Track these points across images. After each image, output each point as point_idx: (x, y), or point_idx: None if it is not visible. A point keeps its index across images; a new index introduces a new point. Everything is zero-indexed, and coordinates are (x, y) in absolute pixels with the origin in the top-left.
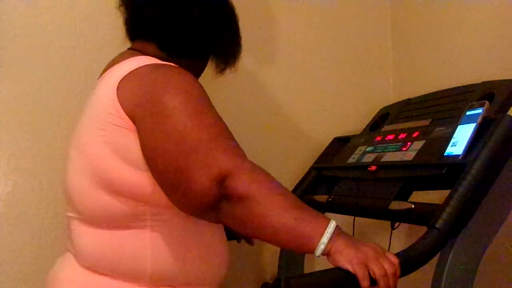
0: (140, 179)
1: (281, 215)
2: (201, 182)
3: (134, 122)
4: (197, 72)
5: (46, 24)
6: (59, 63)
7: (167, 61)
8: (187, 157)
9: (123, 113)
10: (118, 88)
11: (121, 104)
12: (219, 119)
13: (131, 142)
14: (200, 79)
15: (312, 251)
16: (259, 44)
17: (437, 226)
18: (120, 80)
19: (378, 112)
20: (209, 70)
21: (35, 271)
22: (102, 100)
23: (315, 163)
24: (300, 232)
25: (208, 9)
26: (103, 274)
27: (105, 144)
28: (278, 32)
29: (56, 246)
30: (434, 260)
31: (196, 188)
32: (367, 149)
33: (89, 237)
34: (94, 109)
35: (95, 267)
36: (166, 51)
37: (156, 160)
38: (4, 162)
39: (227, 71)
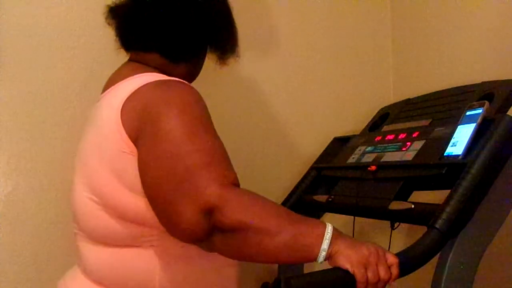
0: (141, 204)
1: (278, 236)
2: (187, 215)
3: (135, 144)
4: (197, 70)
5: (46, 24)
6: (59, 63)
7: (170, 68)
8: (174, 187)
9: (126, 137)
10: (122, 111)
11: (124, 128)
12: (214, 141)
13: (132, 167)
14: (200, 79)
15: (314, 260)
16: (259, 44)
17: (437, 226)
18: (124, 102)
19: (378, 112)
20: (209, 69)
21: (35, 271)
22: (107, 123)
23: (315, 163)
24: (300, 246)
25: (203, 7)
26: None
27: (107, 168)
28: (278, 31)
29: (56, 246)
30: (434, 260)
31: (183, 221)
32: (367, 149)
33: (96, 254)
34: (98, 131)
35: (103, 282)
36: (170, 58)
37: (148, 185)
38: (4, 162)
39: (229, 61)
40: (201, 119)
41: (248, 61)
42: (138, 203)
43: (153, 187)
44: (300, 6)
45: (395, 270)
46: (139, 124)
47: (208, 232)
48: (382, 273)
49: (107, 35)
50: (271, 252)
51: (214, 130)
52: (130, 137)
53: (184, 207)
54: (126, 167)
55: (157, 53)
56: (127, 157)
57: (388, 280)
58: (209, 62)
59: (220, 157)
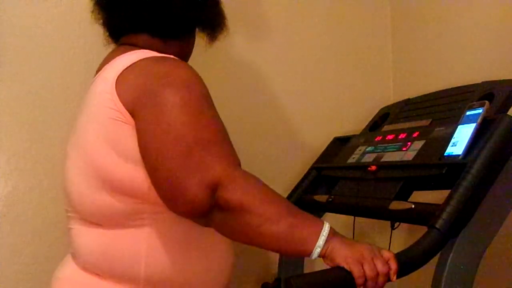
0: (137, 174)
1: (276, 223)
2: (192, 189)
3: (132, 115)
4: (187, 52)
5: (46, 24)
6: (59, 63)
7: (163, 48)
8: (181, 159)
9: (122, 106)
10: (117, 82)
11: (120, 98)
12: (218, 120)
13: (129, 136)
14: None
15: (309, 255)
16: (259, 43)
17: (437, 226)
18: (120, 74)
19: (378, 112)
20: (209, 70)
21: (35, 271)
22: (101, 95)
23: (315, 163)
24: (296, 238)
25: None
26: (97, 274)
27: (103, 140)
28: (278, 32)
29: (56, 246)
30: (434, 260)
31: (187, 193)
32: (367, 149)
33: (87, 237)
34: (92, 105)
35: (91, 268)
36: (160, 35)
37: (150, 155)
38: (4, 162)
39: (218, 38)
40: (204, 95)
41: (248, 61)
42: (134, 174)
43: (156, 160)
44: (300, 6)
45: (393, 264)
46: (138, 96)
47: (209, 208)
48: (380, 265)
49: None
50: (266, 238)
51: (216, 109)
52: (126, 107)
53: (190, 180)
54: (121, 136)
55: (146, 33)
56: (122, 126)
57: (388, 272)
58: (206, 66)
59: (225, 137)
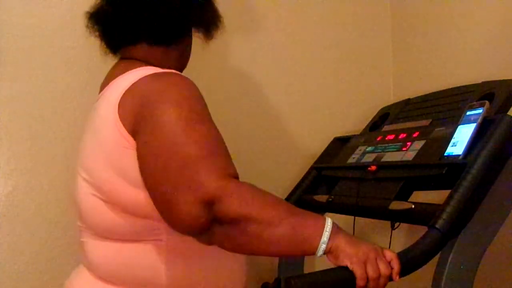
0: (146, 199)
1: (278, 226)
2: (187, 206)
3: (134, 138)
4: (188, 54)
5: (46, 24)
6: (59, 63)
7: (162, 57)
8: (173, 179)
9: (125, 132)
10: (119, 107)
11: (123, 123)
12: (212, 133)
13: (134, 162)
14: (200, 79)
15: (314, 253)
16: (258, 44)
17: (437, 226)
18: (121, 98)
19: (378, 112)
20: (209, 71)
21: (35, 271)
22: (105, 120)
23: (315, 163)
24: (300, 237)
25: None
26: (116, 284)
27: (109, 166)
28: (278, 31)
29: (57, 246)
30: (434, 260)
31: (182, 212)
32: (367, 149)
33: (102, 250)
34: (97, 130)
35: (109, 278)
36: (158, 42)
37: (147, 177)
38: (4, 162)
39: (215, 36)
40: (198, 110)
41: (248, 61)
42: (139, 197)
43: (152, 179)
44: (300, 6)
45: (395, 265)
46: (137, 118)
47: (208, 224)
48: (382, 267)
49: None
50: (271, 244)
51: (212, 122)
52: (128, 131)
53: (183, 198)
54: (129, 163)
55: (144, 42)
56: (128, 153)
57: (390, 274)
58: (206, 66)
59: (218, 150)
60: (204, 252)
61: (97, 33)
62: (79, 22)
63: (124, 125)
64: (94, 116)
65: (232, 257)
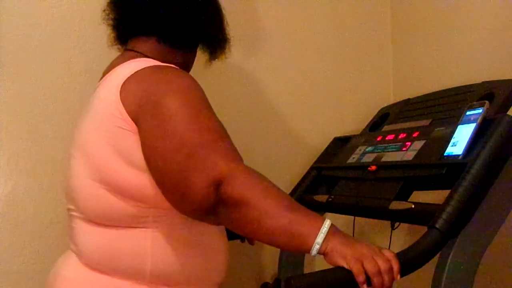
0: (143, 181)
1: (276, 218)
2: (198, 186)
3: (136, 123)
4: (190, 64)
5: (46, 24)
6: (59, 63)
7: (166, 57)
8: (187, 160)
9: (126, 115)
10: (121, 90)
11: (124, 106)
12: (217, 121)
13: (133, 144)
14: (200, 80)
15: (308, 251)
16: (259, 44)
17: (437, 226)
18: (123, 82)
19: (378, 112)
20: (209, 71)
21: (35, 271)
22: (105, 102)
23: (315, 163)
24: (295, 233)
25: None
26: (103, 272)
27: (108, 147)
28: (278, 32)
29: (56, 246)
30: (434, 260)
31: (193, 192)
32: (367, 149)
33: (91, 235)
34: (97, 111)
35: (96, 265)
36: (169, 41)
37: (157, 161)
38: (4, 162)
39: (219, 57)
40: (204, 100)
41: (248, 62)
42: (139, 179)
43: (161, 164)
44: (301, 6)
45: (395, 263)
46: (140, 104)
47: (214, 205)
48: (381, 262)
49: (107, 35)
50: (267, 232)
51: (213, 111)
52: (129, 114)
53: (195, 179)
54: (126, 144)
55: (155, 37)
56: (127, 134)
57: (390, 269)
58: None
59: (225, 136)
60: (188, 243)
61: (110, 21)
62: (79, 22)
63: (125, 107)
64: (94, 100)
65: (216, 249)
